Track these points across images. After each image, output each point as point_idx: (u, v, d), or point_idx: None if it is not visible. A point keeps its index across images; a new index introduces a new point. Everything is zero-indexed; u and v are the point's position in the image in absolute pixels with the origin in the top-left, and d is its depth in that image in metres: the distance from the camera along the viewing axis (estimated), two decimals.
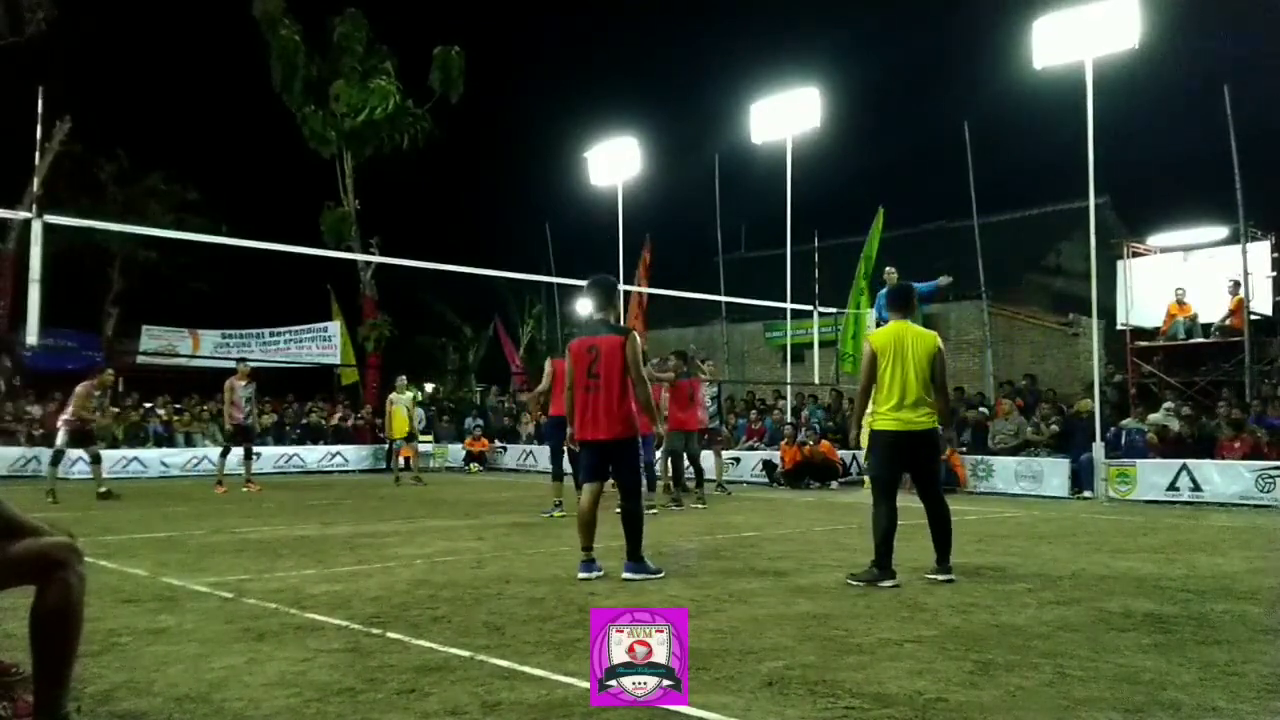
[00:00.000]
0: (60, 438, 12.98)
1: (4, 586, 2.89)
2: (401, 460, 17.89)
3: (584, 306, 6.26)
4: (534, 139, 51.06)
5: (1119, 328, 17.67)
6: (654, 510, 10.30)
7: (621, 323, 6.65)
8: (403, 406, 16.63)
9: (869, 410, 6.26)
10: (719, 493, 13.79)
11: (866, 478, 15.62)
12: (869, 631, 4.53)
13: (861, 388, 6.29)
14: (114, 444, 19.81)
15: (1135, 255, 18.19)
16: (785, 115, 18.93)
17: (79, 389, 12.89)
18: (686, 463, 12.03)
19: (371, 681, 3.62)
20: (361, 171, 26.34)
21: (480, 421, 23.28)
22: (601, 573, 6.09)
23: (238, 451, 14.83)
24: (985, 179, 21.67)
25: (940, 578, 6.00)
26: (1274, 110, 23.95)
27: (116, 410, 21.02)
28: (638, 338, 6.30)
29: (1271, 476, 12.41)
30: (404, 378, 17.28)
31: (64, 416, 13.04)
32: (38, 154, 18.30)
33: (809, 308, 17.85)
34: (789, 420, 17.83)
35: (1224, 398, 14.78)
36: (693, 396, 12.13)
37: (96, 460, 13.20)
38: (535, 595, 5.45)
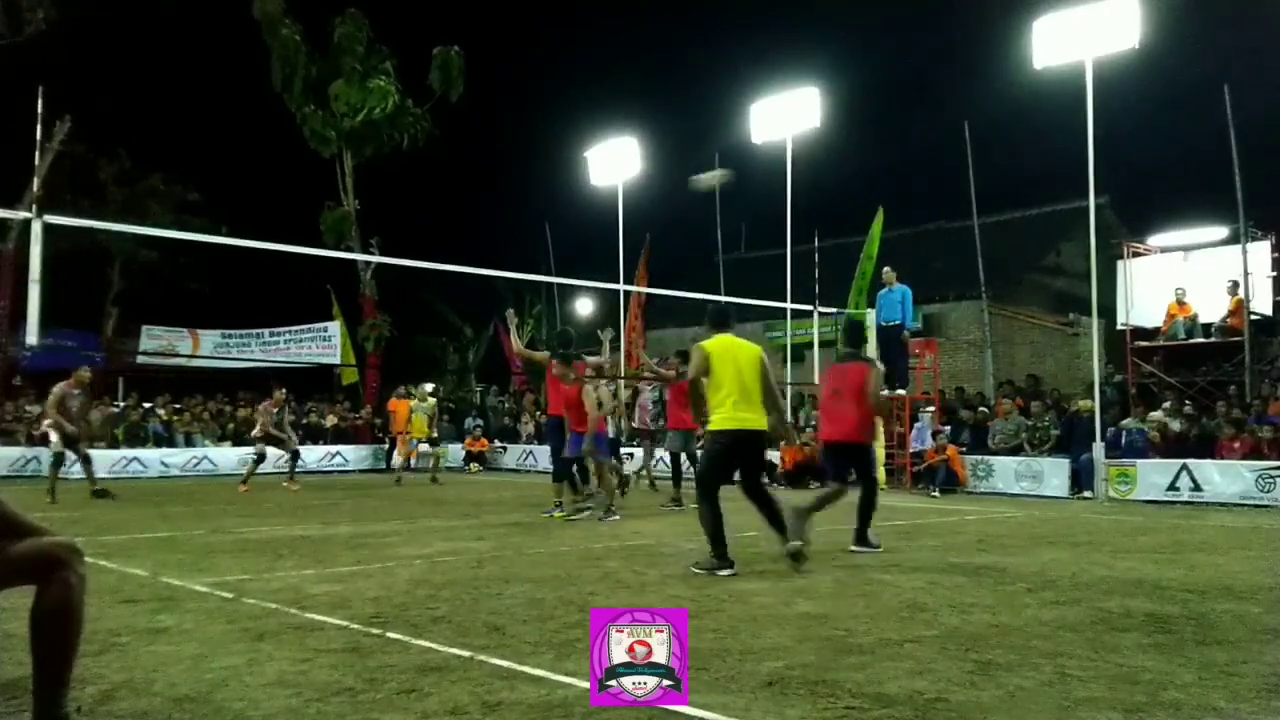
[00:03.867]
0: (53, 440, 12.77)
1: (4, 586, 2.89)
2: (401, 460, 17.99)
3: (843, 343, 7.90)
4: (534, 139, 51.18)
5: (1119, 328, 17.67)
6: (585, 512, 10.15)
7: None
8: (422, 412, 17.13)
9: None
10: (652, 489, 13.83)
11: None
12: (869, 631, 4.53)
13: (693, 380, 6.69)
14: (114, 444, 19.82)
15: (1135, 255, 18.20)
16: (785, 115, 18.93)
17: (54, 390, 12.70)
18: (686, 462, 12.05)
19: (371, 681, 3.62)
20: (361, 171, 26.34)
21: (480, 421, 23.27)
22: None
23: (273, 452, 15.51)
24: (985, 179, 21.76)
25: (791, 547, 6.32)
26: (1274, 110, 23.94)
27: (105, 410, 20.99)
28: (880, 368, 7.83)
29: (1272, 476, 12.42)
30: (427, 386, 18.07)
31: (45, 421, 12.92)
32: (38, 154, 18.28)
33: (809, 308, 17.84)
34: (789, 420, 17.83)
35: (1224, 397, 14.77)
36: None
37: (86, 461, 13.13)
38: (535, 595, 5.45)
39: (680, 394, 12.03)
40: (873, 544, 7.42)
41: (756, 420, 6.42)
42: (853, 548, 7.37)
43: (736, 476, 6.58)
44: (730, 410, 6.35)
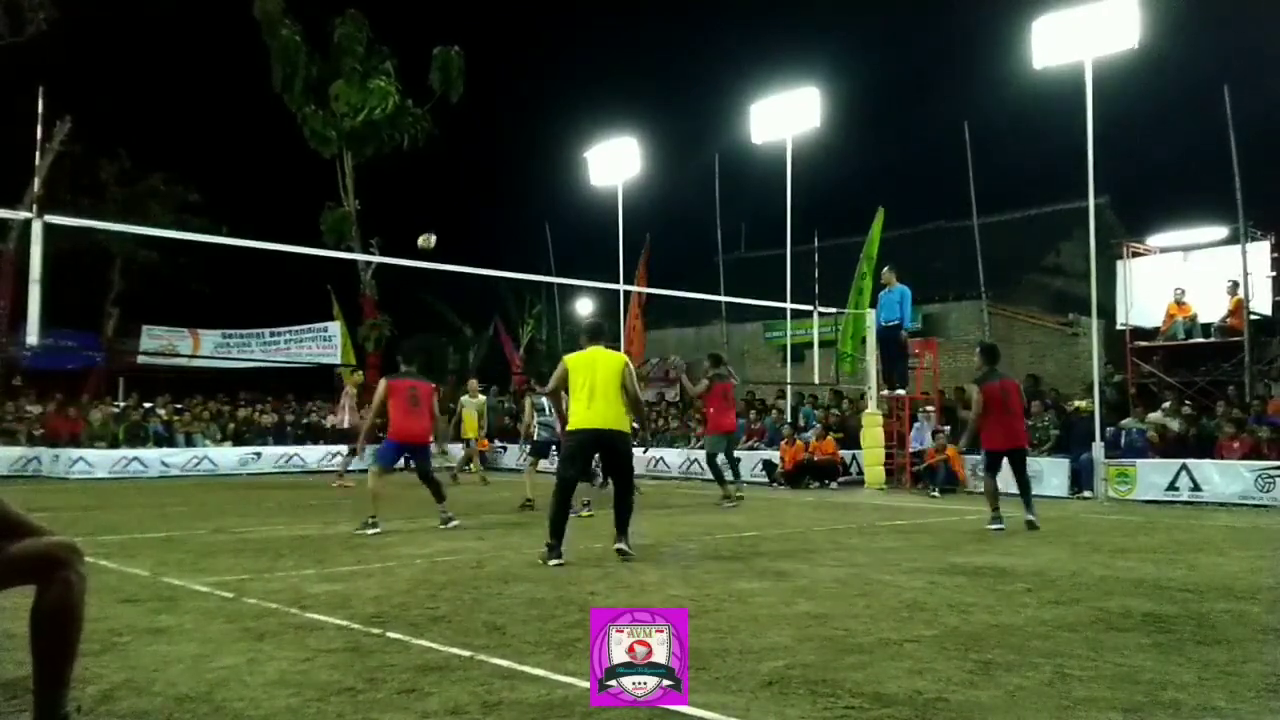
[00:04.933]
0: None
1: (5, 586, 2.89)
2: (473, 463, 18.07)
3: (988, 359, 9.87)
4: (534, 139, 51.11)
5: (1119, 328, 17.66)
6: (453, 521, 9.51)
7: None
8: (473, 409, 17.29)
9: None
10: (603, 488, 13.85)
11: (867, 477, 15.72)
12: (869, 631, 4.53)
13: (552, 390, 7.72)
14: (114, 444, 19.80)
15: (1135, 255, 18.18)
16: (785, 115, 18.94)
17: None
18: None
19: (372, 681, 3.63)
20: (362, 171, 26.33)
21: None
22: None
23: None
24: (985, 179, 21.72)
25: (622, 547, 6.89)
26: (1274, 110, 23.91)
27: (106, 409, 20.95)
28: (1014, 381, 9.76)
29: (1271, 476, 12.41)
30: (475, 381, 18.35)
31: None
32: (38, 154, 18.27)
33: (809, 308, 17.84)
34: (789, 420, 17.84)
35: (1224, 397, 14.76)
36: (726, 397, 12.61)
37: None
38: (535, 595, 5.46)
39: (714, 398, 12.46)
40: (1036, 520, 9.26)
41: (610, 420, 6.93)
42: (1029, 517, 9.22)
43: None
44: (583, 413, 6.95)
